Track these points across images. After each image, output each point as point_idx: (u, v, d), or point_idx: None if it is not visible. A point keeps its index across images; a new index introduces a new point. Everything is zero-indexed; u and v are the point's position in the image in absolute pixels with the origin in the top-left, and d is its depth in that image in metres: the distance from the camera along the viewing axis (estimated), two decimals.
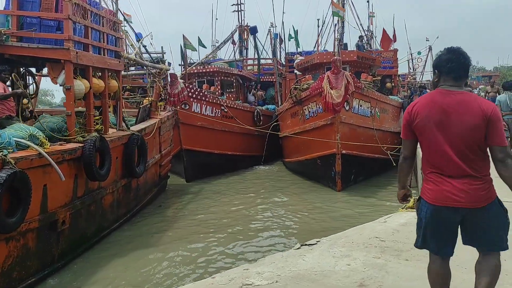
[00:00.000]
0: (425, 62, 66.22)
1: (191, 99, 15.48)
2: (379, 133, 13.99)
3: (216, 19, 39.99)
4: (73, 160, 7.28)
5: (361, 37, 25.01)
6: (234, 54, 23.13)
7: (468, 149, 3.03)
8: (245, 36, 30.90)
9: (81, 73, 8.14)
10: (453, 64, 3.12)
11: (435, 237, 3.18)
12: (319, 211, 10.88)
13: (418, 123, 3.15)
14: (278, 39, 29.02)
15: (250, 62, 27.95)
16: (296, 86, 14.02)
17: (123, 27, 37.00)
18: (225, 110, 16.70)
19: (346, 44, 23.56)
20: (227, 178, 16.16)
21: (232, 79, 21.18)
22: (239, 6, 31.81)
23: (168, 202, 12.48)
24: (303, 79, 14.67)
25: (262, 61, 26.55)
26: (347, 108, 12.22)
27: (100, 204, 8.50)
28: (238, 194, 13.37)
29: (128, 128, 10.18)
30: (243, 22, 32.73)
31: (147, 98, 13.49)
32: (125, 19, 35.82)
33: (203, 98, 15.87)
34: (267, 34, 33.22)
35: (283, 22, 34.64)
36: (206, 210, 11.36)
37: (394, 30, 33.68)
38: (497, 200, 3.13)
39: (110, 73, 9.49)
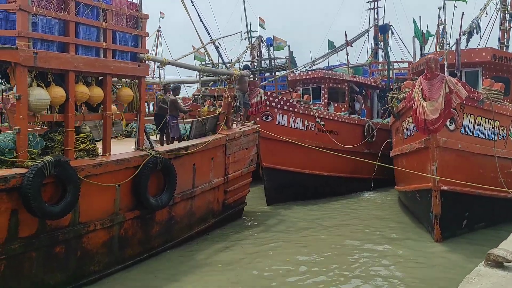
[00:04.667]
0: None
1: (275, 110, 13.20)
2: None
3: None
4: (7, 192, 5.64)
5: None
6: (347, 58, 19.95)
7: None
8: (381, 37, 27.34)
9: (57, 79, 6.56)
10: None
11: None
12: (407, 267, 7.96)
13: None
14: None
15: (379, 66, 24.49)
16: (393, 95, 10.74)
17: (255, 33, 36.07)
18: (321, 123, 14.02)
19: None
20: (321, 205, 13.47)
21: (343, 87, 18.13)
22: (375, 3, 28.41)
23: (223, 232, 10.41)
24: (403, 86, 11.22)
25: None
26: (451, 127, 8.64)
27: (77, 244, 6.77)
28: (320, 228, 10.74)
29: (152, 148, 8.35)
30: (382, 20, 29.08)
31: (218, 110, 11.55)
32: (260, 25, 35.17)
33: (291, 109, 13.45)
34: (435, 34, 28.90)
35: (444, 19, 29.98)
36: (265, 248, 9.19)
37: None
38: None
39: (124, 80, 7.83)
